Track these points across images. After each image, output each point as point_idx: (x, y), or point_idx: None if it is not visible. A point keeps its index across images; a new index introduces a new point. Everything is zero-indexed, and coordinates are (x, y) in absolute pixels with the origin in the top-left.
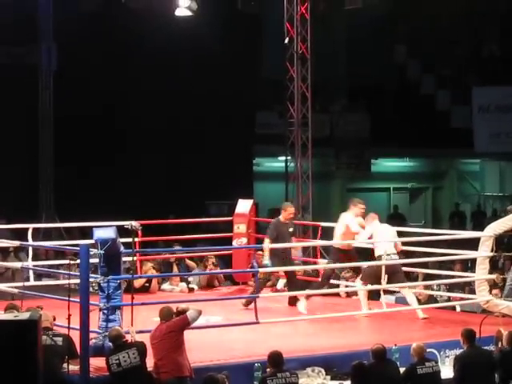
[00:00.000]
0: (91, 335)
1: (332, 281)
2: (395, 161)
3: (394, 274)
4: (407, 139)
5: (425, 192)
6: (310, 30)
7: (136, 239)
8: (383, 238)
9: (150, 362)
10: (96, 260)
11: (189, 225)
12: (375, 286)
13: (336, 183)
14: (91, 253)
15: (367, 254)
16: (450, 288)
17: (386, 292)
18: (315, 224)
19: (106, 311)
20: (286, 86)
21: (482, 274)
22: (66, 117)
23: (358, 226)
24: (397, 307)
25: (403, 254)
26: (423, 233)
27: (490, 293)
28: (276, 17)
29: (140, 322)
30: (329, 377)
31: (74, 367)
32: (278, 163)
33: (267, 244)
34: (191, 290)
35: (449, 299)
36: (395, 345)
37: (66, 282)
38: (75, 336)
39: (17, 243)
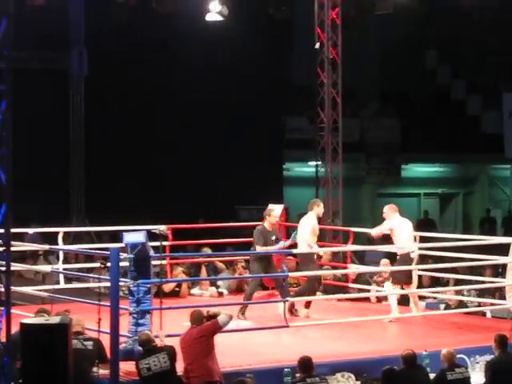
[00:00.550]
0: (121, 339)
1: (363, 286)
2: (426, 166)
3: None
4: (438, 144)
5: (455, 197)
6: (341, 35)
7: (166, 243)
8: (406, 232)
9: (179, 367)
10: (126, 264)
11: (218, 229)
12: (405, 291)
13: (366, 188)
14: (121, 257)
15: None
16: (480, 293)
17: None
18: (346, 229)
19: (135, 315)
20: (317, 91)
21: None
22: (98, 121)
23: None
24: (426, 312)
25: (433, 260)
26: (453, 238)
27: None
28: (306, 22)
29: (169, 326)
30: (359, 382)
31: (104, 371)
32: (308, 168)
33: (260, 250)
34: (221, 294)
35: (479, 305)
36: (425, 350)
37: (96, 285)
38: (105, 340)
39: (46, 247)
